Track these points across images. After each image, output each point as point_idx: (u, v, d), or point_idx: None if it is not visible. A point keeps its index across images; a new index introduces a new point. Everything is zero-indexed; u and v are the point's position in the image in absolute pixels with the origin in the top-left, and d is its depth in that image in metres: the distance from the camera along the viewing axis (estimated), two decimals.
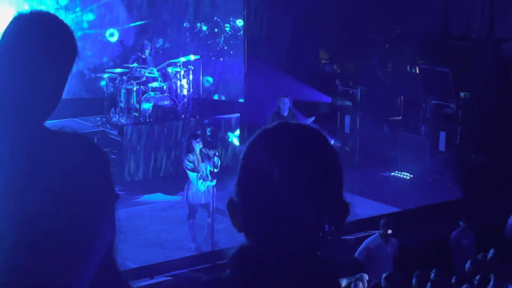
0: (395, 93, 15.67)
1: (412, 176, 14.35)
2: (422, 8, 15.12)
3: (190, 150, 10.80)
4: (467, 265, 9.69)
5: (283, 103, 12.55)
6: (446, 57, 14.89)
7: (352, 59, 16.66)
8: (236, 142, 14.74)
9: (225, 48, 15.54)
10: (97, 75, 14.10)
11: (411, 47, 16.30)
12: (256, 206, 1.74)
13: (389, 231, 9.93)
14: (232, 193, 1.80)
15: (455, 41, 15.16)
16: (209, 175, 10.76)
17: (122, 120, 13.95)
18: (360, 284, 8.64)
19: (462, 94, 14.42)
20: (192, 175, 10.80)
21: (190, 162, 10.75)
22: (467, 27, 14.57)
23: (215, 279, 1.76)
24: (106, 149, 14.02)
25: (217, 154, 10.92)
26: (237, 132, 14.81)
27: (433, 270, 9.18)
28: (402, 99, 15.34)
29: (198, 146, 10.75)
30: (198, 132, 12.29)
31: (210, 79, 15.17)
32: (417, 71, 15.51)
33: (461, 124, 14.28)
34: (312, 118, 12.65)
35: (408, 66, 16.60)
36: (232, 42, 15.51)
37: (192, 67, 14.44)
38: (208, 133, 13.88)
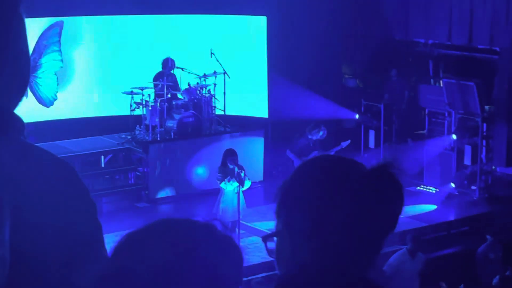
0: (420, 107, 15.61)
1: (438, 190, 14.27)
2: (445, 21, 15.09)
3: (224, 164, 10.97)
4: (495, 280, 9.61)
5: (319, 132, 12.50)
6: (470, 70, 14.83)
7: (375, 73, 16.63)
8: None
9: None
10: (122, 92, 14.17)
11: (435, 60, 16.26)
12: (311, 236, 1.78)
13: None
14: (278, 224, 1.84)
15: (479, 54, 15.11)
16: (236, 188, 10.93)
17: (147, 137, 14.01)
18: None
19: (487, 107, 14.34)
20: (222, 184, 11.05)
21: (220, 173, 11.04)
22: (491, 40, 14.50)
23: None
24: (131, 166, 14.11)
25: (245, 173, 11.05)
26: (261, 148, 14.81)
27: (461, 285, 9.11)
28: (426, 113, 15.27)
29: (232, 163, 10.93)
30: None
31: (233, 95, 15.19)
32: (441, 85, 15.45)
33: (486, 138, 14.20)
34: (347, 142, 12.61)
35: (432, 80, 16.56)
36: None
37: (216, 83, 14.49)
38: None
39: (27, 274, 1.59)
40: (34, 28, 13.92)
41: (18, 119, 1.63)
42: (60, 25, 14.57)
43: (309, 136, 12.47)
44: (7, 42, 1.60)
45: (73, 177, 1.72)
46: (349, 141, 12.75)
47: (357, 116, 15.43)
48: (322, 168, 1.86)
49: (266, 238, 1.84)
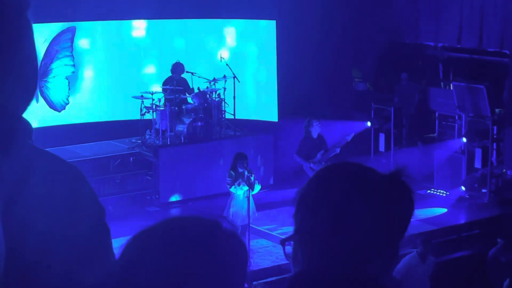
0: (430, 110, 15.60)
1: (448, 193, 14.25)
2: (455, 24, 15.07)
3: (234, 168, 10.99)
4: (506, 283, 9.58)
5: (315, 126, 12.46)
6: (480, 73, 14.82)
7: (385, 76, 16.63)
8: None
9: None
10: (132, 96, 14.20)
11: (445, 63, 16.24)
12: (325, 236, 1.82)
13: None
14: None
15: (489, 57, 15.09)
16: (246, 192, 10.93)
17: (157, 142, 14.04)
18: None
19: (497, 110, 14.32)
20: (232, 188, 11.03)
21: (230, 177, 11.01)
22: (501, 43, 14.49)
23: None
24: (141, 171, 14.13)
25: (255, 177, 11.06)
26: (271, 152, 14.82)
27: None
28: (436, 116, 15.27)
29: (242, 167, 10.92)
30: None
31: (243, 99, 15.21)
32: (451, 88, 15.44)
33: (497, 140, 14.18)
34: (351, 135, 12.60)
35: (442, 83, 16.54)
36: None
37: (226, 87, 14.51)
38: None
39: (32, 277, 1.60)
40: (46, 33, 13.97)
41: (26, 123, 1.65)
42: (72, 31, 14.61)
43: (313, 135, 12.44)
44: (14, 48, 1.61)
45: (81, 181, 1.73)
46: (352, 134, 12.74)
47: (368, 123, 15.38)
48: (336, 175, 1.90)
49: (283, 241, 1.89)
